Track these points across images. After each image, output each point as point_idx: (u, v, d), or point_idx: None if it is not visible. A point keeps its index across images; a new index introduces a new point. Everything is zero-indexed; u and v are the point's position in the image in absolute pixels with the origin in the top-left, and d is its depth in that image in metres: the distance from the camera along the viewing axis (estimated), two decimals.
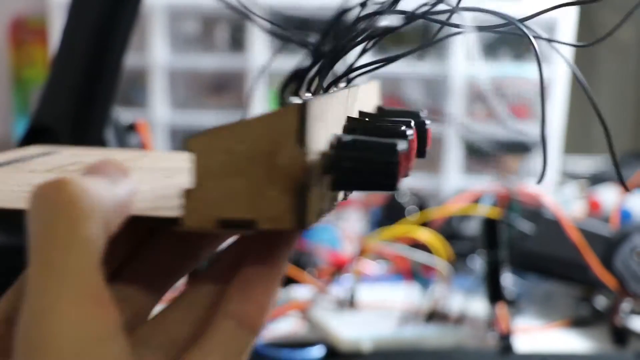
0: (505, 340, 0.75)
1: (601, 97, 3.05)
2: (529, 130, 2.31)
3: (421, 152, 0.36)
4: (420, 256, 0.84)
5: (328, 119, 0.31)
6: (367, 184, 0.30)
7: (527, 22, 0.34)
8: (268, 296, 0.31)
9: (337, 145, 0.30)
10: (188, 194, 0.29)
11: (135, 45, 0.95)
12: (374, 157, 0.29)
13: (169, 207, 0.31)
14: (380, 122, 0.34)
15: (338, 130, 0.33)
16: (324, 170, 0.29)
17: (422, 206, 1.08)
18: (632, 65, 3.10)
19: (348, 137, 0.30)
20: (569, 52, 2.23)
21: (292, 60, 0.34)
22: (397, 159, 0.29)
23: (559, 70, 2.23)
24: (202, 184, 0.29)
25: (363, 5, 0.34)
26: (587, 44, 0.35)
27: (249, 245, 0.32)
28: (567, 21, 2.22)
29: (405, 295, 0.84)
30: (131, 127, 0.81)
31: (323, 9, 1.76)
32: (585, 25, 2.70)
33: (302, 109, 0.27)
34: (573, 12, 2.22)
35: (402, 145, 0.29)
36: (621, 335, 0.80)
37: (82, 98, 0.73)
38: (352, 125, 0.34)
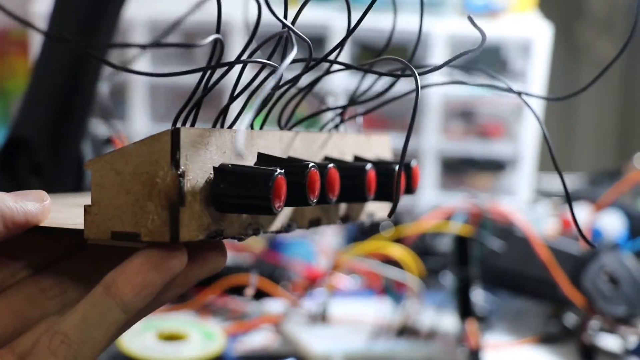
0: (474, 356, 0.76)
1: (582, 115, 3.08)
2: (503, 148, 2.33)
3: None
4: (392, 272, 0.85)
5: (228, 149, 0.33)
6: (244, 207, 0.33)
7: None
8: (141, 275, 0.32)
9: (215, 170, 0.32)
10: (88, 209, 0.32)
11: (114, 58, 0.95)
12: (248, 182, 0.32)
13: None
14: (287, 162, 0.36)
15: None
16: (209, 192, 0.32)
17: (396, 222, 1.10)
18: (614, 82, 3.12)
19: (227, 165, 0.33)
20: (546, 70, 2.26)
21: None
22: (271, 185, 0.32)
23: (534, 89, 2.26)
24: (98, 200, 0.32)
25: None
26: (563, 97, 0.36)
27: None
28: (543, 40, 2.25)
29: (376, 310, 0.85)
30: (108, 141, 0.81)
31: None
32: (563, 41, 2.73)
33: (175, 134, 0.31)
34: (549, 32, 2.25)
35: (276, 174, 0.32)
36: (589, 353, 0.81)
37: (59, 111, 0.74)
38: (262, 159, 0.36)
